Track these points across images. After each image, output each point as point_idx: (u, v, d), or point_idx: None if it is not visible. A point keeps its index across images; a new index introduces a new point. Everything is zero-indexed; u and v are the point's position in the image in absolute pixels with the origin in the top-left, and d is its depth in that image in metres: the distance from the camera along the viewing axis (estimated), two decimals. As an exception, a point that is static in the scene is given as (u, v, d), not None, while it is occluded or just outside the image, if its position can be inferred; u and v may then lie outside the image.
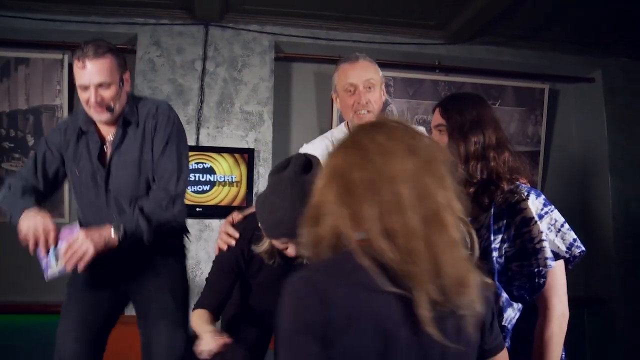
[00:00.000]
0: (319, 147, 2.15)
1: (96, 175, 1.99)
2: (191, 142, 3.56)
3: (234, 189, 3.51)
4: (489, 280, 1.07)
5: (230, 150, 3.53)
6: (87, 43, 1.90)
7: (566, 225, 1.60)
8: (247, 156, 3.52)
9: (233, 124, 3.62)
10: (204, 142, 3.56)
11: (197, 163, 3.49)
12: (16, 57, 3.72)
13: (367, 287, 0.94)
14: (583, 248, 1.59)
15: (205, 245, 3.50)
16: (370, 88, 2.18)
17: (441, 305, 0.95)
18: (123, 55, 2.01)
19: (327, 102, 4.02)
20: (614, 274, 4.31)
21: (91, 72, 1.87)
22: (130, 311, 2.13)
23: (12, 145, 3.75)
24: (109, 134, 2.03)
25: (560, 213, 1.63)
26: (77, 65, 1.89)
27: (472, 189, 1.63)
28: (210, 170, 3.49)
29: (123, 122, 2.00)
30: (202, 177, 3.48)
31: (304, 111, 4.05)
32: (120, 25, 3.70)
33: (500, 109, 4.20)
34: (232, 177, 3.50)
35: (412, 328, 0.95)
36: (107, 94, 1.91)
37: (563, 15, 3.69)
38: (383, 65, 3.97)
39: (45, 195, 2.07)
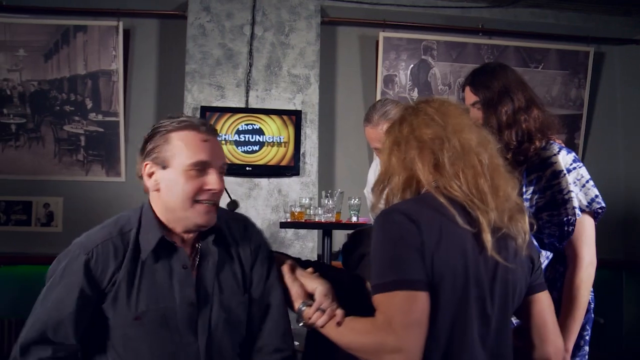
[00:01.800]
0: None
1: (174, 320, 1.27)
2: (241, 104, 3.72)
3: (282, 149, 3.66)
4: (532, 221, 1.26)
5: (279, 112, 3.67)
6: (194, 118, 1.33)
7: (591, 182, 1.69)
8: (294, 118, 3.65)
9: (281, 86, 3.75)
10: (253, 104, 3.71)
11: (247, 124, 3.65)
12: (75, 24, 3.91)
13: (447, 217, 1.12)
14: (603, 204, 1.68)
15: (254, 202, 3.69)
16: (378, 151, 2.15)
17: (500, 229, 1.14)
18: None
19: (371, 65, 4.11)
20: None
21: (214, 147, 1.29)
22: None
23: (73, 108, 3.97)
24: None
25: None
26: (189, 134, 1.26)
27: (510, 154, 1.72)
28: (260, 131, 3.64)
29: (217, 236, 1.34)
30: (252, 138, 3.64)
31: (349, 74, 4.15)
32: (172, -9, 3.84)
33: (542, 72, 4.21)
34: (280, 138, 3.65)
35: (480, 252, 1.13)
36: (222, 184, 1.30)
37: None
38: (427, 28, 4.07)
39: None
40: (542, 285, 1.27)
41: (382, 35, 4.00)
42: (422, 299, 1.07)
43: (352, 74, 4.15)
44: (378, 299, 1.10)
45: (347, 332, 1.17)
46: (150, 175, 1.28)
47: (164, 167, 1.26)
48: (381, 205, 1.25)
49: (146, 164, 1.28)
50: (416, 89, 4.11)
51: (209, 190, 1.26)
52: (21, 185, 3.94)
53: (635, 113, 4.50)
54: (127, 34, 3.97)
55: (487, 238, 1.11)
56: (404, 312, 1.06)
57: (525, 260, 1.20)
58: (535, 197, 1.70)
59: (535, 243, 1.69)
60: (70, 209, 3.97)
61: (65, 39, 3.92)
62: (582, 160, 4.33)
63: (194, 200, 1.25)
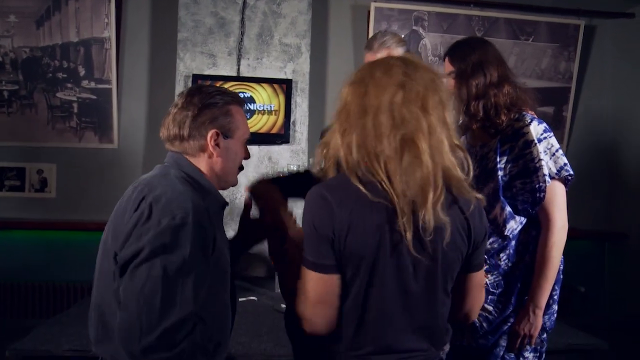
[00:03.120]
0: None
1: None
2: (232, 72, 3.74)
3: (272, 117, 3.70)
4: (474, 194, 1.23)
5: (270, 81, 3.70)
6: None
7: (560, 151, 1.78)
8: (285, 86, 3.68)
9: (272, 55, 3.77)
10: (245, 72, 3.74)
11: (238, 92, 3.67)
12: (66, -10, 3.91)
13: (361, 198, 1.16)
14: (571, 172, 1.77)
15: (245, 169, 3.73)
16: None
17: (413, 219, 1.15)
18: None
19: (362, 35, 4.13)
20: (638, 210, 4.42)
21: None
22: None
23: (65, 75, 4.00)
24: None
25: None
26: (240, 110, 1.50)
27: (476, 125, 1.84)
28: (251, 100, 3.68)
29: None
30: (243, 106, 3.68)
31: (340, 44, 4.19)
32: (164, -42, 3.83)
33: (532, 44, 4.23)
34: (271, 106, 3.69)
35: (395, 234, 1.17)
36: None
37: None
38: (418, -1, 4.08)
39: None
40: (478, 265, 1.31)
41: (373, 5, 4.02)
42: (331, 281, 1.20)
43: (343, 44, 4.17)
44: (301, 270, 1.23)
45: (292, 286, 1.28)
46: (216, 141, 1.42)
47: (227, 137, 1.44)
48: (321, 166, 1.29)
49: (215, 131, 1.41)
50: (407, 60, 4.13)
51: (247, 158, 1.53)
52: (15, 151, 4.00)
53: (625, 86, 4.55)
54: (119, 1, 3.98)
55: (401, 222, 1.14)
56: (313, 290, 1.21)
57: (459, 239, 1.22)
58: (509, 166, 1.78)
59: (509, 209, 1.77)
60: (63, 175, 4.03)
61: (56, 5, 3.92)
62: (570, 134, 4.44)
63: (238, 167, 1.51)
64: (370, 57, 2.37)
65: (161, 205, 1.26)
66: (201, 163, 1.44)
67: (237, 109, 1.47)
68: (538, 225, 1.80)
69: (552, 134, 1.78)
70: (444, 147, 1.18)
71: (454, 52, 1.90)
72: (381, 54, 2.32)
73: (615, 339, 2.43)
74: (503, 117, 1.79)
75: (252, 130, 3.70)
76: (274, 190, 1.55)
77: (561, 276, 1.85)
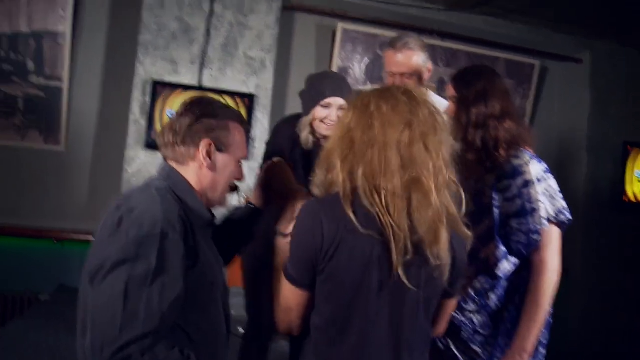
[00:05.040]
0: None
1: (221, 284, 1.49)
2: (194, 81, 3.63)
3: (232, 131, 3.61)
4: (468, 232, 1.28)
5: (232, 94, 3.61)
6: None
7: (559, 194, 1.75)
8: (247, 101, 3.61)
9: (236, 68, 3.69)
10: (207, 83, 3.63)
11: (198, 102, 3.57)
12: (18, -23, 3.68)
13: (350, 225, 1.18)
14: (569, 216, 1.74)
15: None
16: (405, 77, 2.38)
17: (414, 254, 1.18)
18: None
19: (326, 55, 4.13)
20: (578, 247, 4.60)
21: None
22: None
23: (12, 68, 3.75)
24: None
25: None
26: (241, 129, 1.53)
27: (472, 156, 1.78)
28: (211, 111, 3.58)
29: None
30: (203, 117, 3.57)
31: (304, 62, 4.14)
32: (130, -42, 3.69)
33: (491, 79, 4.36)
34: (231, 120, 3.60)
35: (384, 267, 1.19)
36: None
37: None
38: (384, 24, 4.11)
39: None
40: (457, 291, 1.38)
41: (340, 26, 4.02)
42: (300, 294, 1.28)
43: (307, 62, 4.13)
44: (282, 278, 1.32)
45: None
46: (208, 152, 1.40)
47: (221, 150, 1.42)
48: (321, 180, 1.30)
49: (208, 141, 1.39)
50: (368, 83, 4.16)
51: (239, 179, 1.50)
52: (-52, 145, 3.70)
53: (569, 127, 4.76)
54: (77, -5, 3.78)
55: (397, 259, 1.17)
56: (285, 298, 1.31)
57: (443, 269, 1.25)
58: (505, 204, 1.74)
59: (504, 249, 1.73)
60: (1, 175, 3.76)
61: (6, -9, 3.68)
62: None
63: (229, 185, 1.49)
64: (391, 54, 2.38)
65: (133, 217, 1.24)
66: (190, 174, 1.41)
67: (236, 127, 1.46)
68: (530, 266, 1.74)
69: (551, 175, 1.76)
70: (445, 186, 1.22)
71: (460, 78, 1.87)
72: (403, 55, 2.35)
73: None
74: (502, 152, 1.75)
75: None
76: (287, 172, 1.63)
77: (550, 320, 1.80)
